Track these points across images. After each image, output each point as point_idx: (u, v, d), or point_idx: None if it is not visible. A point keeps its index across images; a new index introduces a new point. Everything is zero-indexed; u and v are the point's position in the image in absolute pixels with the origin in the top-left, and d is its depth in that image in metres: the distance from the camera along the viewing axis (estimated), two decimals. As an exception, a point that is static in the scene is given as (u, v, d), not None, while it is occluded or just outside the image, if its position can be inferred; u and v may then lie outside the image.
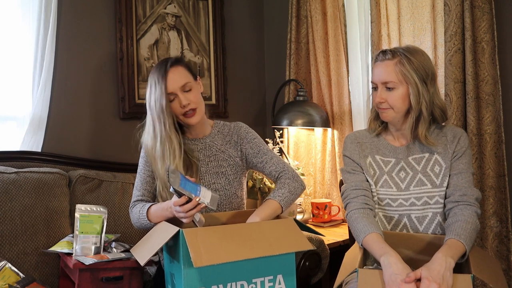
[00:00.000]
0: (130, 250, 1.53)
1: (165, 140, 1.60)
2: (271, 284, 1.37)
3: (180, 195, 1.40)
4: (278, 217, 1.60)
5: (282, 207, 1.60)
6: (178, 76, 1.62)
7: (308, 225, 2.50)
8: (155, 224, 1.56)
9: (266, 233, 1.36)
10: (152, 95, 1.61)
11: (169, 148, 1.60)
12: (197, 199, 1.40)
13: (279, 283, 1.38)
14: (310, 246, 1.38)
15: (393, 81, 1.47)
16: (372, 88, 1.56)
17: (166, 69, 1.61)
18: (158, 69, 1.63)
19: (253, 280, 1.35)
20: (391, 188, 1.54)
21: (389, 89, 1.49)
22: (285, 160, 2.67)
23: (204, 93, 2.04)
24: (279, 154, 2.61)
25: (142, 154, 1.74)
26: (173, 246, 1.39)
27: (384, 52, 1.51)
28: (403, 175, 1.54)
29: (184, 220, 1.44)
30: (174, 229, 1.34)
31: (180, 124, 1.69)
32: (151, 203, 1.62)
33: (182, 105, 1.61)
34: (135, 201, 1.69)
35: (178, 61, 1.67)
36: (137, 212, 1.63)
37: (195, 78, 1.70)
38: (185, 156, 1.66)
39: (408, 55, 1.46)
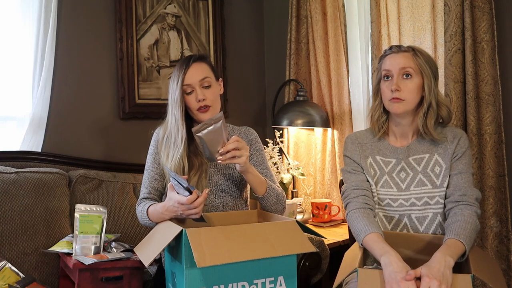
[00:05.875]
0: (134, 249, 1.53)
1: (171, 130, 1.65)
2: (272, 285, 1.37)
3: (190, 192, 1.41)
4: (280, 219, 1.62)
5: (266, 188, 1.63)
6: (199, 70, 1.67)
7: (308, 225, 2.52)
8: (157, 223, 1.56)
9: (268, 234, 1.36)
10: (171, 85, 1.67)
11: (175, 137, 1.64)
12: (207, 191, 1.42)
13: (280, 285, 1.38)
14: (312, 248, 1.38)
15: (412, 68, 1.50)
16: (384, 77, 1.55)
17: (188, 63, 1.66)
18: (182, 62, 1.68)
19: (254, 281, 1.35)
20: (392, 189, 1.54)
21: (406, 76, 1.51)
22: (285, 160, 2.67)
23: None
24: (279, 154, 2.61)
25: (150, 151, 1.74)
26: (175, 245, 1.38)
27: (398, 45, 1.56)
28: (404, 176, 1.55)
29: (195, 216, 1.44)
30: (177, 228, 1.33)
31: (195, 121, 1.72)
32: (151, 203, 1.62)
33: (198, 99, 1.65)
34: (141, 199, 1.69)
35: (202, 58, 1.72)
36: (139, 211, 1.64)
37: (217, 79, 1.74)
38: (195, 155, 1.68)
39: (420, 51, 1.53)
